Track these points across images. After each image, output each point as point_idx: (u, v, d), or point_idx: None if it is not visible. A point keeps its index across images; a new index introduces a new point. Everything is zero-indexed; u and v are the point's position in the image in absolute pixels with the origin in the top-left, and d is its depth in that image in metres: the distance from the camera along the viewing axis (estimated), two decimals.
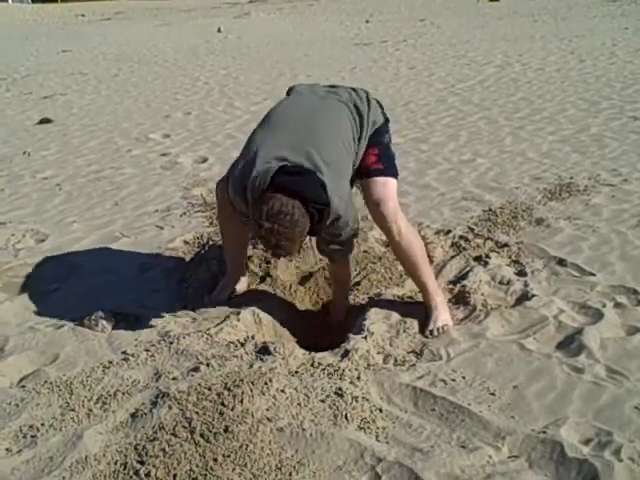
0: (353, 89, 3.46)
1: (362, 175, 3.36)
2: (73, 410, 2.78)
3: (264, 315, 3.51)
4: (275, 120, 3.26)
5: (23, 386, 2.97)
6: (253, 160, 3.05)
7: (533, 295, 3.47)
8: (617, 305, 3.35)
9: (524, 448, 2.44)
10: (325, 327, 3.65)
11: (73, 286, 3.97)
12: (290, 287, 3.82)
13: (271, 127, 3.22)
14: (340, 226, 3.14)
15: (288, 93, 3.54)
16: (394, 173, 3.41)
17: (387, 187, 3.32)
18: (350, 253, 3.45)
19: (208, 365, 3.01)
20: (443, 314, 3.33)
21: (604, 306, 3.33)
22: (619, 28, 13.88)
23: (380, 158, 3.37)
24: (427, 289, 3.41)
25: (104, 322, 3.44)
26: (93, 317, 3.47)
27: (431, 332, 3.24)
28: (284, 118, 3.26)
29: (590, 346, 2.99)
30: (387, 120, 3.51)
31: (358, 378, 2.86)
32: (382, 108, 3.52)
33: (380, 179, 3.32)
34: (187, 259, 4.24)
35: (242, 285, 3.77)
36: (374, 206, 3.28)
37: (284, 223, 2.83)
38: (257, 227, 2.88)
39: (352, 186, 3.34)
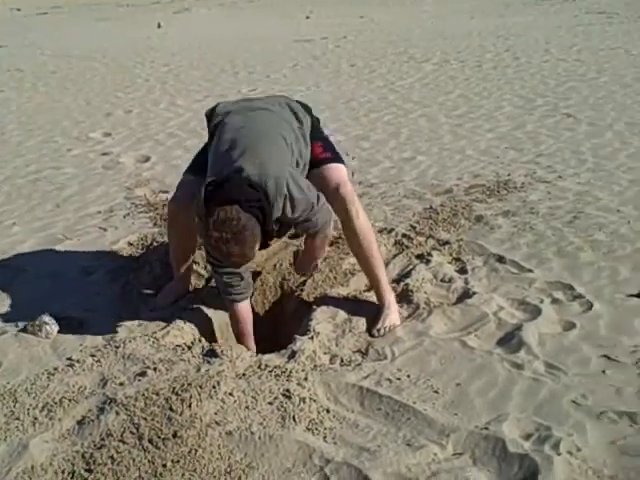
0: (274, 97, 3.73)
1: (313, 167, 3.45)
2: (18, 419, 2.75)
3: (211, 317, 3.52)
4: (216, 148, 3.34)
5: None
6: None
7: (474, 292, 3.55)
8: (554, 301, 3.45)
9: (468, 445, 2.51)
10: (272, 328, 3.69)
11: (15, 291, 3.91)
12: None
13: (215, 153, 3.33)
14: (300, 207, 3.17)
15: (215, 115, 3.53)
16: (342, 160, 3.56)
17: (340, 171, 3.46)
18: (329, 225, 3.46)
19: (155, 369, 3.01)
20: (393, 314, 3.39)
21: (542, 302, 3.43)
22: (553, 26, 14.18)
23: (325, 148, 3.52)
24: (380, 285, 3.49)
25: (48, 327, 3.41)
26: (37, 322, 3.43)
27: (378, 331, 3.30)
28: (222, 144, 3.30)
29: (529, 342, 3.09)
30: (317, 119, 3.66)
31: (305, 379, 2.90)
32: (305, 106, 3.64)
33: (332, 165, 3.46)
34: (131, 261, 4.21)
35: (186, 288, 3.78)
36: (333, 190, 3.38)
37: (232, 229, 2.90)
38: (208, 240, 2.97)
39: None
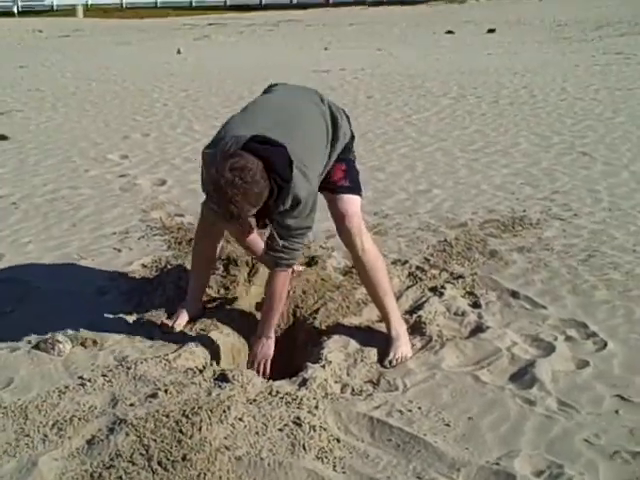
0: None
1: (329, 190, 3.45)
2: (28, 436, 2.76)
3: (222, 342, 3.52)
4: (252, 109, 3.36)
5: None
6: (228, 130, 3.17)
7: (487, 327, 3.55)
8: (568, 338, 3.44)
9: None
10: (284, 355, 3.68)
11: (28, 308, 3.93)
12: (249, 313, 3.84)
13: (247, 113, 3.31)
14: (295, 214, 3.13)
15: (266, 91, 3.61)
16: (359, 191, 3.53)
17: (353, 204, 3.44)
18: (290, 265, 3.33)
19: (166, 392, 3.01)
20: (404, 345, 3.39)
21: (555, 339, 3.42)
22: (569, 65, 14.25)
23: (347, 175, 3.48)
24: (389, 317, 3.49)
25: (60, 345, 3.42)
26: (49, 340, 3.44)
27: (390, 362, 3.29)
28: (261, 107, 3.37)
29: (542, 379, 3.08)
30: (353, 137, 3.60)
31: (316, 407, 2.90)
32: (350, 123, 3.60)
33: (346, 196, 3.44)
34: (145, 283, 4.22)
35: (199, 311, 3.78)
36: (340, 221, 3.40)
37: (245, 177, 2.85)
38: (217, 178, 2.89)
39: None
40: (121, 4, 42.70)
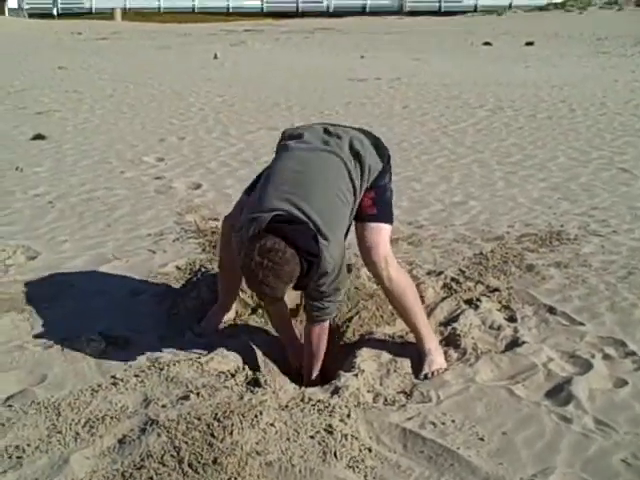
0: (354, 132, 3.42)
1: (357, 217, 3.38)
2: (60, 432, 2.76)
3: (255, 347, 3.51)
4: (275, 174, 3.24)
5: (10, 405, 2.95)
6: (254, 206, 3.12)
7: (523, 342, 3.49)
8: (606, 356, 3.38)
9: None
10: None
11: (63, 306, 3.95)
12: None
13: (273, 179, 3.21)
14: (324, 281, 3.12)
15: (286, 137, 3.45)
16: (388, 219, 3.43)
17: (379, 234, 3.37)
18: (329, 318, 3.34)
19: (198, 394, 3.00)
20: (438, 357, 3.36)
21: (593, 357, 3.36)
22: (609, 79, 14.10)
23: (375, 202, 3.37)
24: (420, 335, 3.45)
25: (94, 344, 3.43)
26: (83, 338, 3.46)
27: (425, 376, 3.26)
28: (279, 176, 3.22)
29: (579, 396, 3.02)
30: (388, 159, 3.47)
31: (348, 416, 2.87)
32: (381, 148, 3.46)
33: (373, 225, 3.37)
34: (179, 285, 4.23)
35: (231, 315, 3.78)
36: (365, 252, 3.38)
37: (274, 259, 2.85)
38: (247, 262, 2.90)
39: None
40: (159, 9, 43.12)
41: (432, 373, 3.27)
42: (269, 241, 2.88)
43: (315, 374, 3.38)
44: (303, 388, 3.15)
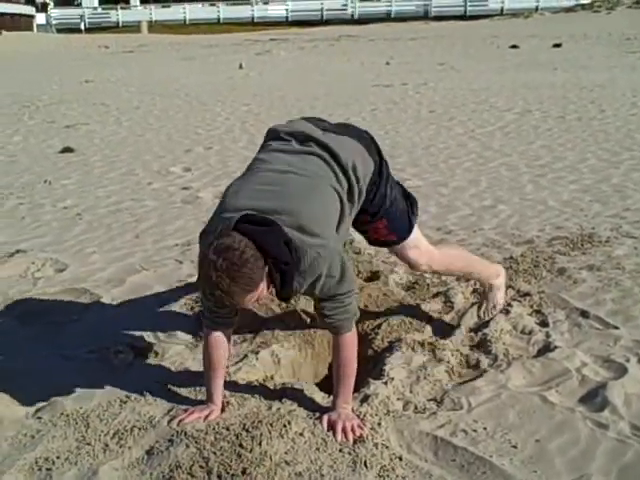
0: (340, 138, 3.07)
1: (382, 245, 3.45)
2: (89, 444, 2.75)
3: (283, 355, 3.48)
4: (249, 177, 2.95)
5: (39, 417, 2.95)
6: (221, 210, 2.82)
7: (555, 346, 3.42)
8: None
9: None
10: None
11: (92, 317, 3.96)
12: (310, 326, 3.79)
13: (248, 178, 2.94)
14: (325, 283, 2.77)
15: (270, 137, 3.16)
16: (409, 231, 3.32)
17: (409, 250, 3.36)
18: (350, 328, 2.93)
19: (226, 404, 2.97)
20: (499, 294, 3.76)
21: (628, 361, 3.28)
22: (639, 79, 13.93)
23: (390, 228, 3.26)
24: (482, 280, 3.82)
25: (122, 355, 3.43)
26: (112, 349, 3.45)
27: (484, 312, 3.60)
28: (257, 174, 2.93)
29: (614, 402, 2.94)
30: (381, 164, 3.16)
31: (378, 424, 2.83)
32: (372, 152, 3.14)
33: (400, 246, 3.36)
34: None
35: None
36: (407, 266, 3.50)
37: (231, 258, 2.46)
38: (201, 259, 2.56)
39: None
40: (184, 20, 43.51)
41: (490, 310, 3.60)
42: (228, 239, 2.51)
43: (351, 392, 2.98)
44: (332, 397, 3.10)
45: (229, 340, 3.03)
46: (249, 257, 2.48)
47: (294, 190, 2.79)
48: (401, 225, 3.30)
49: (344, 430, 2.78)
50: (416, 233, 3.38)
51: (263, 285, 2.58)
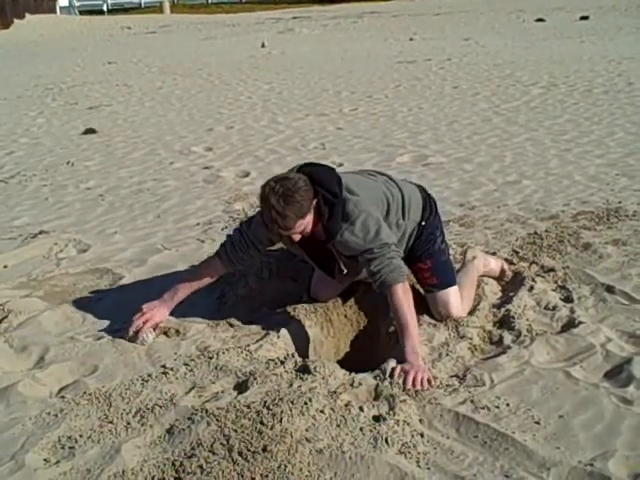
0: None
1: (421, 284, 3.59)
2: (111, 422, 2.77)
3: (305, 333, 3.47)
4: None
5: (62, 396, 2.97)
6: None
7: (580, 322, 3.38)
8: None
9: None
10: (368, 348, 3.61)
11: (113, 297, 3.98)
12: (331, 304, 3.77)
13: None
14: (359, 233, 3.21)
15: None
16: (452, 281, 3.54)
17: (448, 301, 3.49)
18: (400, 276, 3.19)
19: (247, 382, 2.97)
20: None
21: None
22: None
23: (434, 271, 3.53)
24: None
25: (144, 334, 3.43)
26: (133, 328, 3.45)
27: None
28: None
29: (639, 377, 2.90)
30: (430, 215, 3.59)
31: (401, 401, 2.80)
32: (427, 205, 3.59)
33: (438, 294, 3.50)
34: (227, 274, 4.20)
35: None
36: (441, 318, 3.51)
37: (287, 185, 3.09)
38: (263, 189, 3.16)
39: None
40: (207, 0, 43.34)
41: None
42: (288, 173, 3.23)
43: (417, 343, 3.12)
44: (353, 374, 3.08)
45: (220, 274, 3.61)
46: (302, 185, 3.11)
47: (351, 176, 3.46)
48: (445, 270, 3.57)
49: (414, 381, 2.93)
50: (458, 294, 3.53)
51: (310, 217, 3.18)
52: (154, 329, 3.46)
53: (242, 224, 3.59)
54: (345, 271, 3.54)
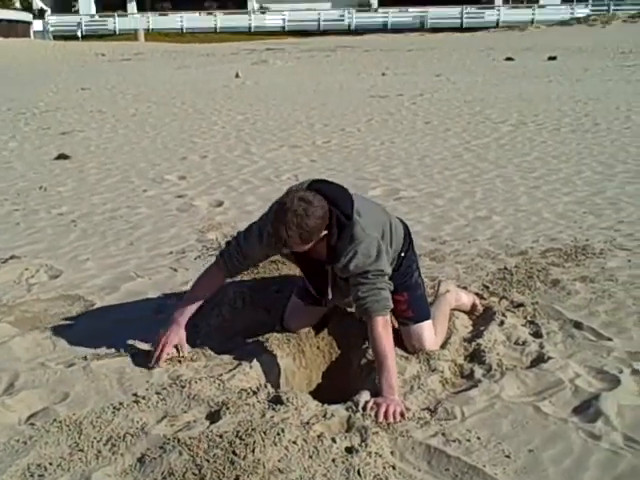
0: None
1: (395, 316, 3.52)
2: (82, 451, 2.74)
3: (277, 363, 3.48)
4: None
5: (32, 424, 2.94)
6: None
7: (549, 357, 3.43)
8: (634, 372, 3.29)
9: None
10: (339, 380, 3.62)
11: (85, 324, 3.95)
12: (304, 334, 3.79)
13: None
14: (359, 255, 3.18)
15: None
16: (426, 315, 3.57)
17: (422, 335, 3.51)
18: (382, 311, 3.20)
19: (219, 412, 2.97)
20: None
21: (621, 372, 3.29)
22: (634, 92, 14.00)
23: (410, 304, 3.53)
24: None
25: (116, 361, 3.40)
26: (105, 356, 3.43)
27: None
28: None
29: (607, 413, 2.95)
30: (409, 247, 3.60)
31: (373, 433, 2.82)
32: (406, 236, 3.60)
33: (413, 327, 3.52)
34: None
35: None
36: (413, 350, 3.52)
37: (300, 205, 3.01)
38: (284, 200, 3.08)
39: None
40: (181, 29, 43.56)
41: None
42: (301, 192, 3.11)
43: (395, 378, 3.12)
44: (325, 405, 3.10)
45: (221, 284, 3.64)
46: (317, 207, 3.03)
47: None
48: (420, 304, 3.59)
49: (386, 412, 2.95)
50: (432, 328, 3.56)
51: (318, 238, 3.11)
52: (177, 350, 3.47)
53: (239, 234, 3.50)
54: (331, 296, 3.52)
